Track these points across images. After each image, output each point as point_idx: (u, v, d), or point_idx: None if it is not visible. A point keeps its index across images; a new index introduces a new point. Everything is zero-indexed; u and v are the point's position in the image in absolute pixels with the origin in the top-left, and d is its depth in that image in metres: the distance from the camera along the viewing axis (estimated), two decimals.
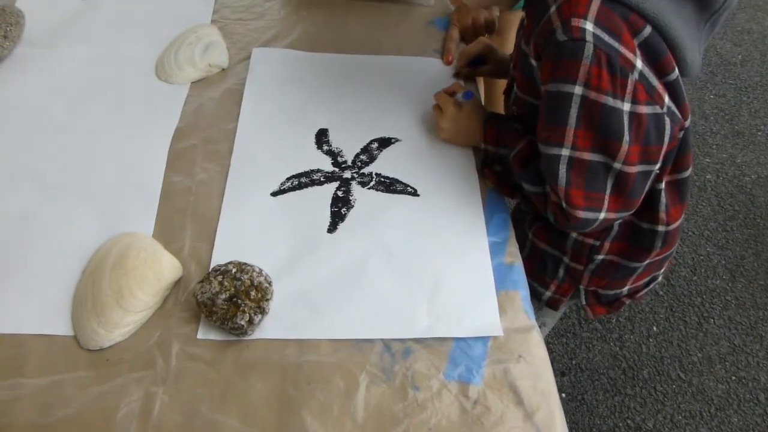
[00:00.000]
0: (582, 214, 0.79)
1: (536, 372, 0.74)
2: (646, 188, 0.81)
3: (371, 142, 0.97)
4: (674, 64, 0.73)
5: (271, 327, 0.76)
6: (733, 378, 1.68)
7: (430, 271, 0.82)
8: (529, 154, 0.85)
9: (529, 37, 0.81)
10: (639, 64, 0.70)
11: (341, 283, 0.80)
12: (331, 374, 0.72)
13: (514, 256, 0.85)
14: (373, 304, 0.78)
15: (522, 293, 0.82)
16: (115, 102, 1.01)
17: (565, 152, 0.76)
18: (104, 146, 0.94)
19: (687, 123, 0.79)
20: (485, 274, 0.82)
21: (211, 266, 0.80)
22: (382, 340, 0.75)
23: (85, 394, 0.69)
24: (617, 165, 0.75)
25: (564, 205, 0.80)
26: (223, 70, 1.08)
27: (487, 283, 0.81)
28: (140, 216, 0.86)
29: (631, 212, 0.83)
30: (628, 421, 1.59)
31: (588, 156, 0.75)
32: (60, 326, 0.75)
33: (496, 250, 0.85)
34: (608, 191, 0.78)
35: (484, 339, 0.76)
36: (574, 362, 1.69)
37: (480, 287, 0.81)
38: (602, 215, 0.80)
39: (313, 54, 1.11)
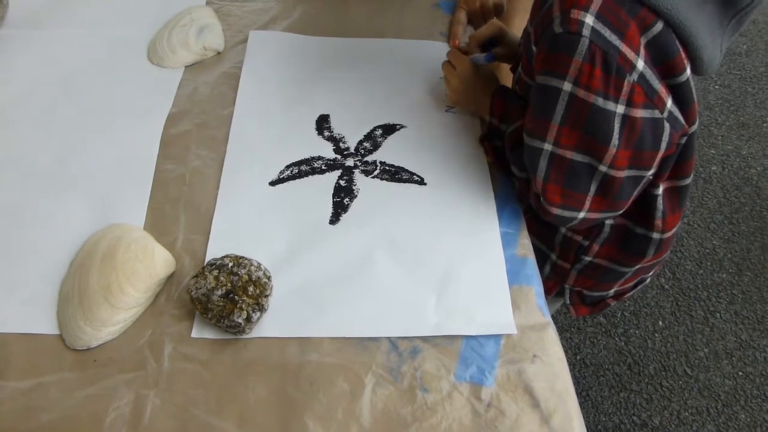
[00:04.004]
0: (557, 211, 0.77)
1: (552, 372, 0.69)
2: (636, 192, 0.77)
3: (375, 128, 0.92)
4: (685, 65, 0.68)
5: (271, 325, 0.71)
6: (740, 374, 1.64)
7: (439, 264, 0.77)
8: (520, 136, 0.81)
9: (534, 17, 0.76)
10: (641, 64, 0.66)
11: (344, 278, 0.75)
12: (334, 375, 0.68)
13: (526, 248, 0.81)
14: (378, 300, 0.74)
15: (536, 288, 0.77)
16: (105, 86, 0.96)
17: (548, 147, 0.73)
18: (93, 133, 0.89)
19: (693, 128, 0.75)
20: (498, 267, 0.77)
21: (207, 260, 0.75)
22: (388, 338, 0.71)
23: (71, 398, 0.64)
24: (603, 168, 0.71)
25: (541, 198, 0.77)
26: (219, 53, 1.03)
27: (500, 278, 0.76)
28: (131, 206, 0.81)
29: (618, 213, 0.80)
30: (634, 418, 1.56)
31: (571, 155, 0.72)
32: (44, 324, 0.70)
33: (508, 241, 0.81)
34: (591, 193, 0.74)
35: (496, 337, 0.72)
36: (578, 357, 1.65)
37: (492, 282, 0.76)
38: (582, 215, 0.77)
39: (313, 37, 1.06)
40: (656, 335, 1.71)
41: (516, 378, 0.68)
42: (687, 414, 1.57)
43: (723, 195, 2.04)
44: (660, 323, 1.73)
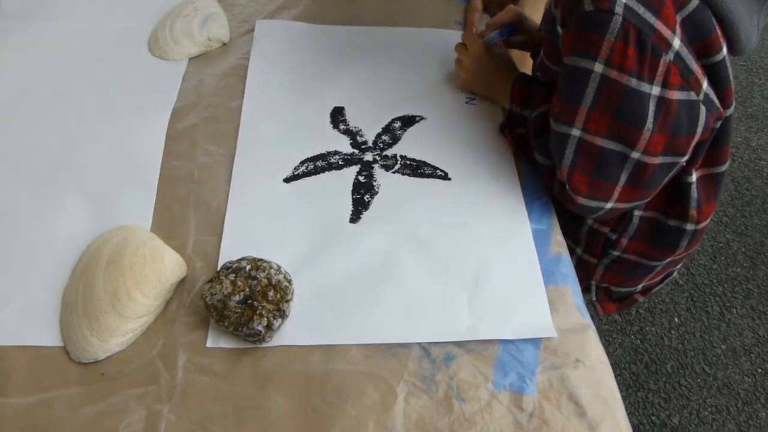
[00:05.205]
0: (582, 200, 0.73)
1: (597, 378, 0.65)
2: (667, 179, 0.74)
3: (393, 120, 0.87)
4: (721, 43, 0.65)
5: (292, 332, 0.66)
6: (760, 370, 1.60)
7: (469, 264, 0.72)
8: (545, 122, 0.77)
9: None
10: (677, 43, 0.62)
11: (369, 280, 0.70)
12: (363, 385, 0.62)
13: (560, 245, 0.76)
14: (406, 302, 0.69)
15: (572, 287, 0.72)
16: (105, 81, 0.90)
17: (575, 132, 0.69)
18: (93, 130, 0.84)
19: (729, 112, 0.71)
20: (531, 265, 0.72)
21: (220, 263, 0.70)
22: (419, 344, 0.66)
23: (77, 415, 0.59)
24: (635, 154, 0.68)
25: (566, 187, 0.73)
26: (224, 44, 0.97)
27: (534, 276, 0.72)
28: (136, 207, 0.75)
29: (646, 200, 0.77)
30: (653, 418, 1.51)
31: (601, 142, 0.68)
32: (47, 336, 0.64)
33: (540, 238, 0.76)
34: (622, 183, 0.71)
35: (534, 341, 0.67)
36: None
37: (526, 281, 0.71)
38: (610, 205, 0.74)
39: (322, 26, 1.01)
40: (672, 332, 1.66)
41: (559, 385, 0.63)
42: (707, 413, 1.52)
43: (734, 188, 2.00)
44: (676, 320, 1.69)
